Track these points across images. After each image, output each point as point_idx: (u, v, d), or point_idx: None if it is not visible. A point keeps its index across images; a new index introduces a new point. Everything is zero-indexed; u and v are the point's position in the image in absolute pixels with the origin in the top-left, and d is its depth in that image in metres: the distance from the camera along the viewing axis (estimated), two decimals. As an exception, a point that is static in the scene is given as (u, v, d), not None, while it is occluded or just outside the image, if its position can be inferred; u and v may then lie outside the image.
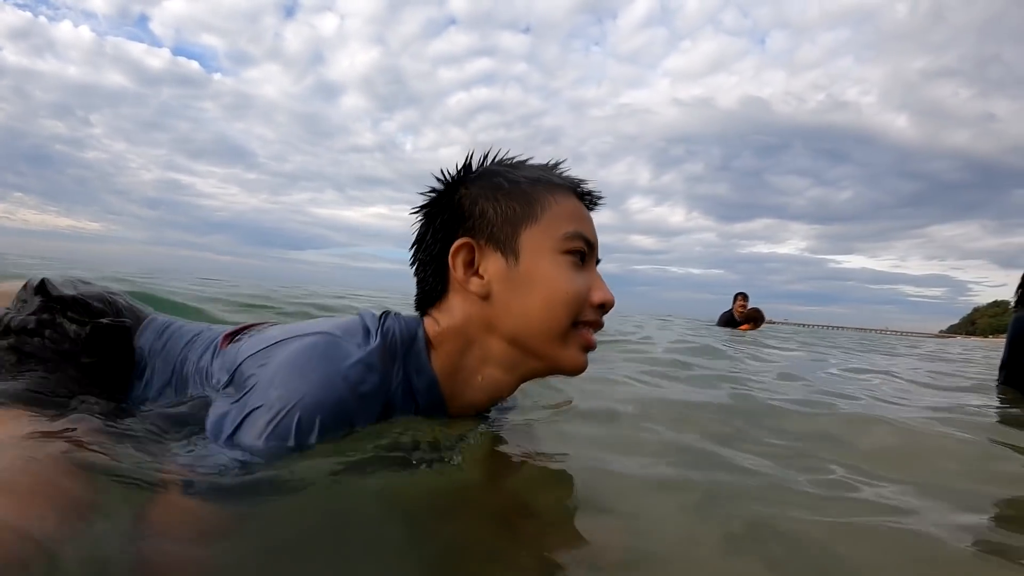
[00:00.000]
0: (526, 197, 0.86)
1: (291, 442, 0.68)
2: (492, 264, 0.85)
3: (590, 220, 0.92)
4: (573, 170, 0.93)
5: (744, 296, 8.19)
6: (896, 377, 2.80)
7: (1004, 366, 2.36)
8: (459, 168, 0.90)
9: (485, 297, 0.85)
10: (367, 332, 0.82)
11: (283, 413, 0.69)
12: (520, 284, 0.84)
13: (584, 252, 0.87)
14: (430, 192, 0.91)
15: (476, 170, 0.90)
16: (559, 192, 0.88)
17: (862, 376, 2.75)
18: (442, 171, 0.91)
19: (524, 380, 0.91)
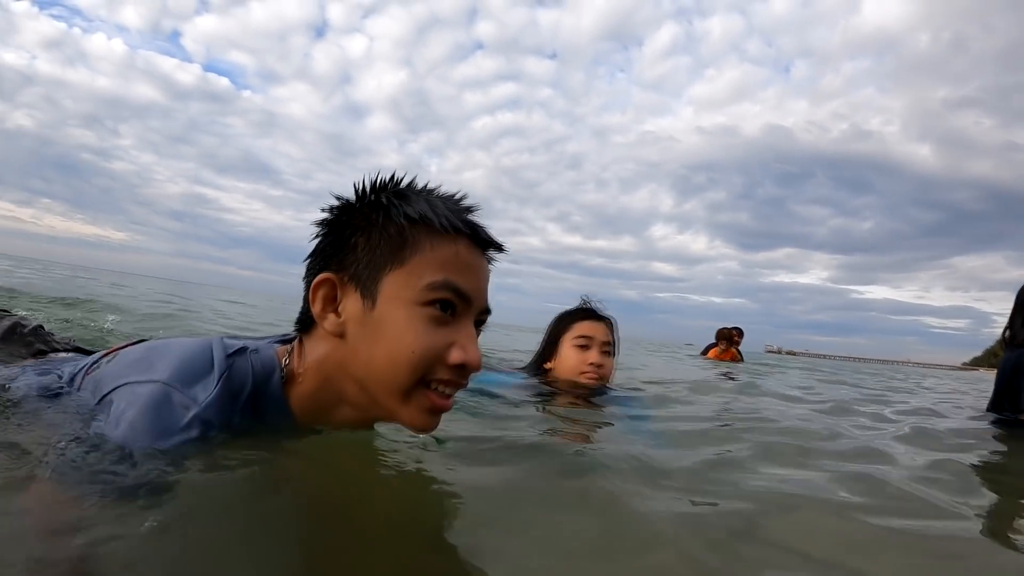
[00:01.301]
0: (399, 238, 0.80)
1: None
2: (351, 304, 0.81)
3: (476, 270, 0.84)
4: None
5: (737, 332, 7.62)
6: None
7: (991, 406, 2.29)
8: (359, 190, 0.85)
9: (341, 336, 0.81)
10: (209, 372, 0.79)
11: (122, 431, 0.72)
12: (371, 330, 0.79)
13: (453, 304, 0.80)
14: (327, 210, 0.86)
15: (371, 196, 0.84)
16: (440, 237, 0.81)
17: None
18: (358, 190, 0.85)
19: (412, 426, 0.84)
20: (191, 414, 0.74)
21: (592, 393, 1.97)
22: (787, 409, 2.20)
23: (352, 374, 0.81)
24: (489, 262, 0.89)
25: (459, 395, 0.89)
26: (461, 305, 0.81)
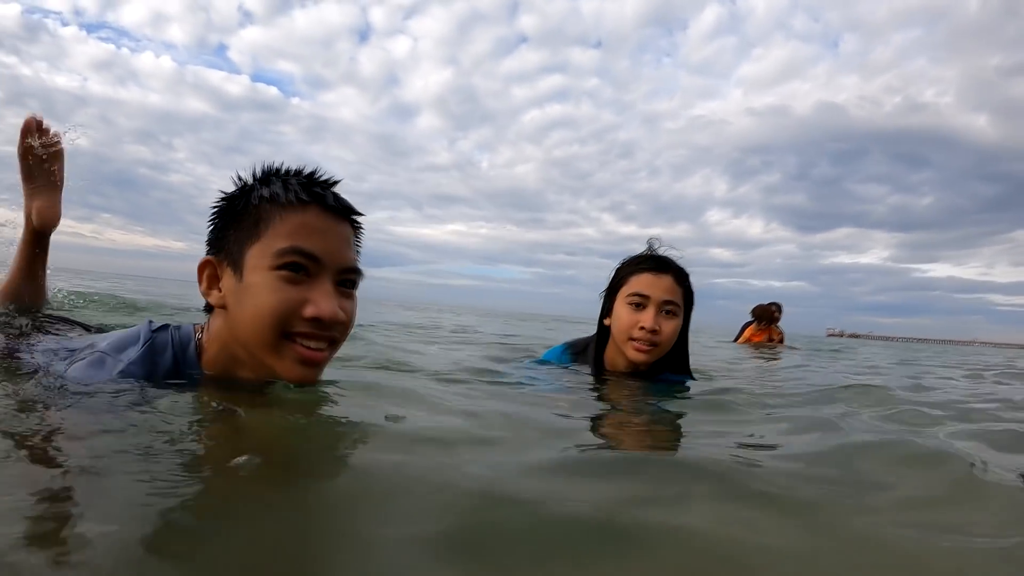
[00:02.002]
0: (256, 216, 0.96)
1: None
2: (227, 279, 0.98)
3: (326, 233, 0.95)
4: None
5: (775, 306, 6.83)
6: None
7: None
8: (237, 182, 1.01)
9: (224, 308, 0.98)
10: (135, 343, 1.01)
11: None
12: (241, 298, 0.95)
13: (303, 266, 0.93)
14: (214, 204, 1.02)
15: (239, 187, 1.00)
16: (290, 209, 0.94)
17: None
18: (238, 182, 1.01)
19: (289, 381, 0.98)
20: (118, 368, 0.97)
21: (637, 375, 1.70)
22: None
23: (237, 338, 0.97)
24: (355, 227, 1.03)
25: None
26: (312, 266, 0.94)
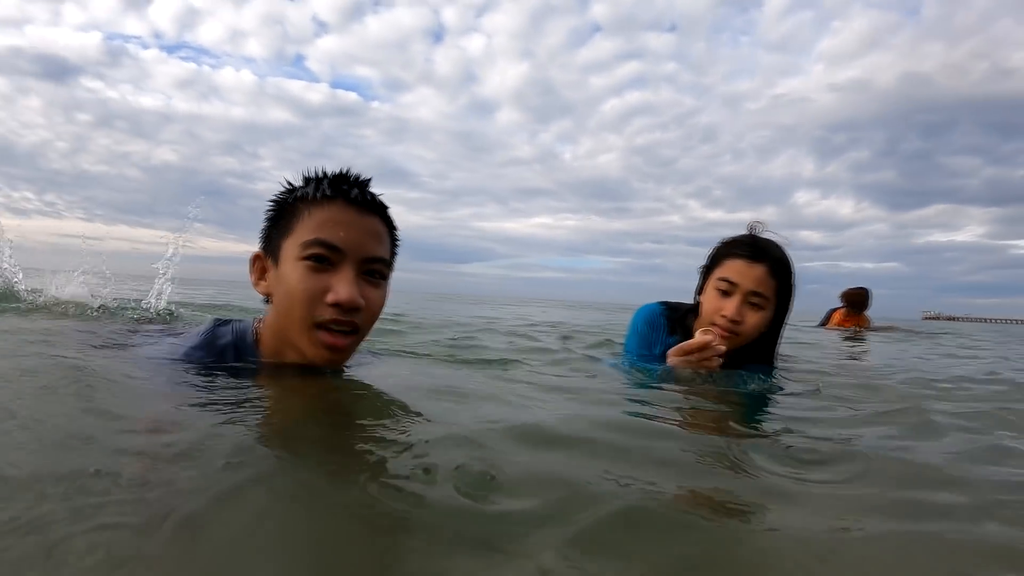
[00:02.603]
0: (290, 213, 1.08)
1: None
2: (270, 271, 1.10)
3: (350, 226, 1.05)
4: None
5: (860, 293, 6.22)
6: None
7: None
8: (284, 187, 1.13)
9: (270, 297, 1.11)
10: (199, 333, 1.18)
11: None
12: (278, 286, 1.07)
13: (326, 256, 1.03)
14: (268, 205, 1.15)
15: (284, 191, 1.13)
16: (317, 205, 1.06)
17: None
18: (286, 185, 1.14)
19: (319, 364, 1.08)
20: (181, 352, 1.14)
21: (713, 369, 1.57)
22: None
23: (280, 324, 1.09)
24: (386, 222, 1.13)
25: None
26: (335, 256, 1.03)
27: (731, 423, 1.09)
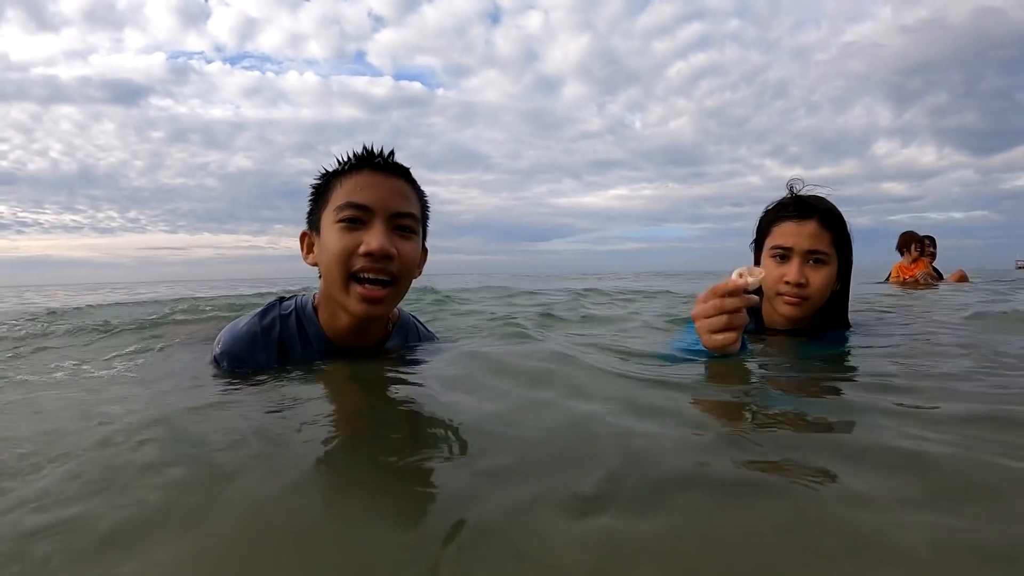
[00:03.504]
0: (324, 188, 1.23)
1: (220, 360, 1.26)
2: (316, 244, 1.25)
3: (376, 186, 1.17)
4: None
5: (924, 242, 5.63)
6: None
7: None
8: (326, 168, 1.26)
9: (318, 266, 1.24)
10: (259, 312, 1.30)
11: (218, 347, 1.27)
12: (321, 251, 1.21)
13: (357, 217, 1.15)
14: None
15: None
16: (346, 176, 1.20)
17: None
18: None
19: (364, 322, 1.23)
20: (243, 328, 1.28)
21: (798, 332, 1.56)
22: None
23: (326, 287, 1.22)
24: (412, 184, 1.25)
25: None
26: (365, 215, 1.16)
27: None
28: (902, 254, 5.79)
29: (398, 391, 1.04)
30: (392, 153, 1.24)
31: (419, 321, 1.53)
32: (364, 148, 1.22)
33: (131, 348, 1.79)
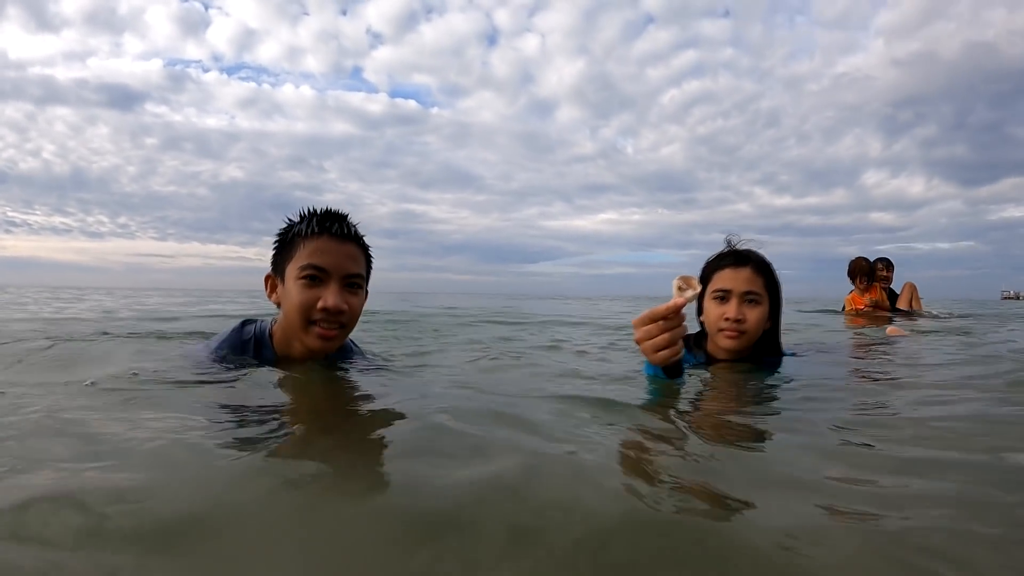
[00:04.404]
0: (291, 245, 1.45)
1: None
2: (279, 287, 1.48)
3: (332, 253, 1.42)
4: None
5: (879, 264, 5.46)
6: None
7: None
8: (286, 222, 1.50)
9: (279, 305, 1.48)
10: (226, 334, 1.54)
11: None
12: (285, 298, 1.45)
13: (316, 276, 1.40)
14: (275, 238, 1.52)
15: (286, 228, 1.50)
16: (310, 239, 1.43)
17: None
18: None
19: (317, 355, 1.48)
20: (214, 345, 1.53)
21: (737, 360, 1.80)
22: None
23: (287, 324, 1.46)
24: (361, 247, 1.50)
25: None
26: (323, 275, 1.41)
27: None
28: (853, 283, 5.55)
29: (321, 380, 1.44)
30: (345, 218, 1.48)
31: (354, 343, 1.80)
32: (325, 212, 1.46)
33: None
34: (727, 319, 1.74)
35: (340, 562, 0.55)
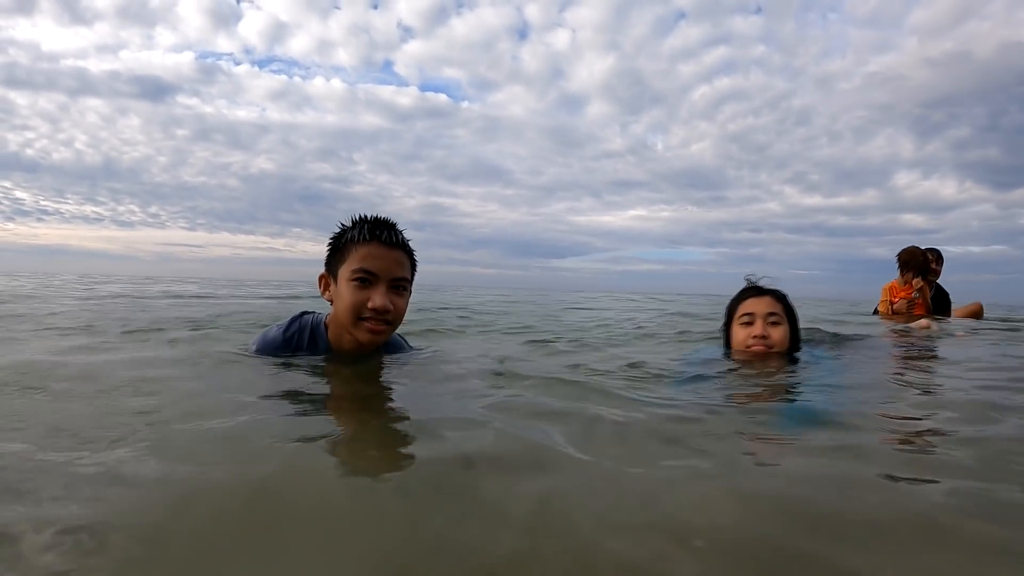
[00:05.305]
0: (344, 249, 1.61)
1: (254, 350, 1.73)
2: (332, 287, 1.64)
3: (381, 258, 1.57)
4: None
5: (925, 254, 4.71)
6: None
7: None
8: (339, 227, 1.65)
9: (332, 302, 1.64)
10: (283, 325, 1.73)
11: (254, 345, 1.73)
12: (337, 297, 1.61)
13: (367, 279, 1.56)
14: (329, 241, 1.67)
15: (340, 232, 1.64)
16: (361, 244, 1.58)
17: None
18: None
19: (366, 348, 1.64)
20: (270, 338, 1.73)
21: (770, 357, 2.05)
22: None
23: (339, 320, 1.62)
24: (407, 252, 1.66)
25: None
26: (372, 278, 1.57)
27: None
28: (902, 275, 4.85)
29: (372, 379, 1.59)
30: (394, 226, 1.64)
31: (404, 339, 1.98)
32: (375, 220, 1.62)
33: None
34: (754, 336, 2.05)
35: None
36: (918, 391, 1.63)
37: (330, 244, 1.67)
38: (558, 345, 2.69)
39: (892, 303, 4.82)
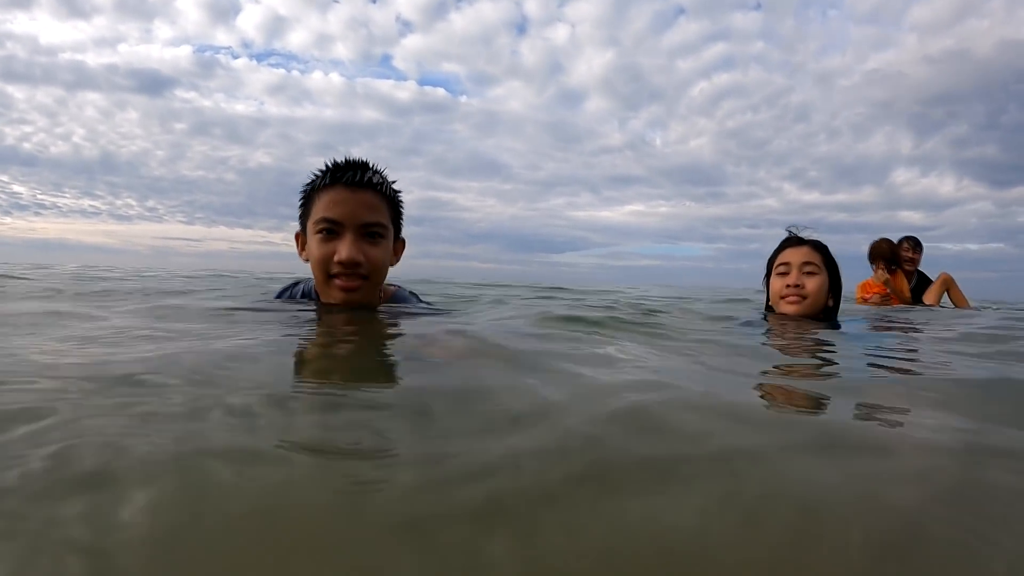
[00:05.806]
0: (308, 201, 1.44)
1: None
2: (305, 243, 1.47)
3: (346, 203, 1.35)
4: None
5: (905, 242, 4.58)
6: None
7: None
8: (314, 174, 1.45)
9: (307, 261, 1.46)
10: (285, 287, 1.68)
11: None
12: (308, 254, 1.43)
13: (331, 228, 1.36)
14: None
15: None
16: (324, 191, 1.38)
17: None
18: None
19: (348, 306, 1.42)
20: (276, 294, 1.69)
21: (805, 321, 1.97)
22: None
23: (315, 279, 1.46)
24: (382, 194, 1.41)
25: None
26: (337, 227, 1.36)
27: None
28: (873, 269, 4.61)
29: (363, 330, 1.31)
30: (363, 165, 1.40)
31: (416, 295, 1.74)
32: (335, 163, 1.40)
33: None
34: (788, 286, 2.01)
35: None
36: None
37: (301, 199, 1.48)
38: (584, 307, 2.46)
39: (866, 299, 4.61)
